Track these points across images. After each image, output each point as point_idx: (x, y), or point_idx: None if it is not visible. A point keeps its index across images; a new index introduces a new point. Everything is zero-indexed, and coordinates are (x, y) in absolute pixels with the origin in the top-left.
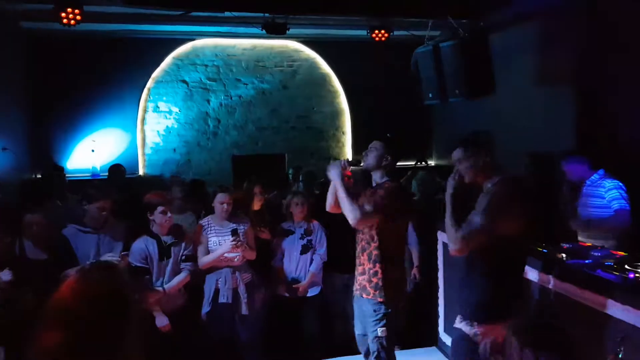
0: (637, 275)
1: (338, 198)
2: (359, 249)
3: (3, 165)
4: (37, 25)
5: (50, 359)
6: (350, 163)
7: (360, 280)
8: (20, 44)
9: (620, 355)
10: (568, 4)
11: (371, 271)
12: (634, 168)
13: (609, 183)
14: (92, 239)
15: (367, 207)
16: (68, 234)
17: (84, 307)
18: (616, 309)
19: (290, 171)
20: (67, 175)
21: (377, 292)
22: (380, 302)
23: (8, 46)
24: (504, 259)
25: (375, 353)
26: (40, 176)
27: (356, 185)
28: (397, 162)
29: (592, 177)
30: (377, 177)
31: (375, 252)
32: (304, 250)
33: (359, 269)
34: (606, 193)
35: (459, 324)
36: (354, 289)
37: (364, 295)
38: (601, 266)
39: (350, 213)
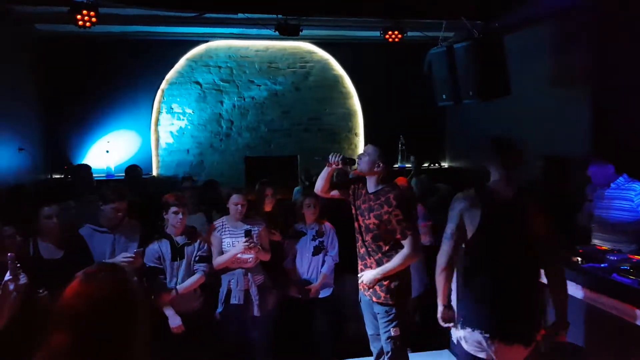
0: None
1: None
2: (364, 250)
3: (19, 166)
4: (51, 27)
5: None
6: (344, 161)
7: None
8: (35, 46)
9: None
10: (582, 5)
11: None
12: None
13: (639, 186)
14: (107, 239)
15: (407, 242)
16: (84, 234)
17: (88, 309)
18: (633, 314)
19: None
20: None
21: (388, 295)
22: (391, 305)
23: (23, 48)
24: (470, 260)
25: (390, 353)
26: (67, 174)
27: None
28: (391, 168)
29: (617, 181)
30: (371, 183)
31: (385, 259)
32: (316, 251)
33: (365, 271)
34: (636, 196)
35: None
36: (361, 288)
37: (374, 299)
38: (617, 270)
39: (410, 261)
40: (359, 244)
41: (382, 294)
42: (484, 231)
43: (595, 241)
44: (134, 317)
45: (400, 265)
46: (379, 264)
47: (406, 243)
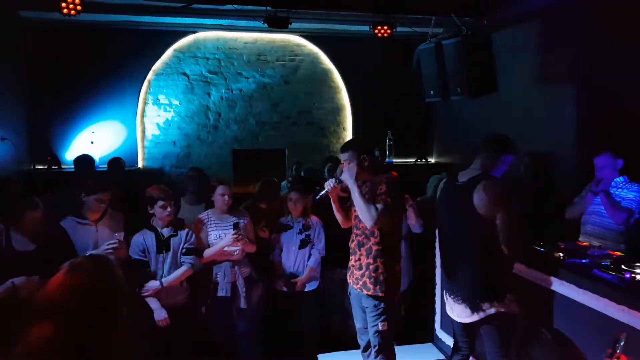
0: (633, 275)
1: (353, 199)
2: (355, 243)
3: (2, 156)
4: (36, 15)
5: (40, 353)
6: (340, 181)
7: (357, 275)
8: (19, 33)
9: (616, 354)
10: (570, 3)
11: (371, 267)
12: (636, 168)
13: (634, 186)
14: (90, 231)
15: (379, 206)
16: (66, 226)
17: (73, 300)
18: (612, 309)
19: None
20: (65, 167)
21: (378, 287)
22: (380, 297)
23: (6, 36)
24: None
25: (377, 347)
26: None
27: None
28: (374, 155)
29: (617, 180)
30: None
31: (375, 248)
32: (302, 244)
33: (355, 264)
34: (628, 192)
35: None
36: (350, 282)
37: (364, 291)
38: (598, 266)
39: (366, 214)
40: (352, 237)
41: (372, 286)
42: (438, 210)
43: (582, 239)
44: (120, 310)
45: (362, 207)
46: (368, 253)
47: (378, 206)
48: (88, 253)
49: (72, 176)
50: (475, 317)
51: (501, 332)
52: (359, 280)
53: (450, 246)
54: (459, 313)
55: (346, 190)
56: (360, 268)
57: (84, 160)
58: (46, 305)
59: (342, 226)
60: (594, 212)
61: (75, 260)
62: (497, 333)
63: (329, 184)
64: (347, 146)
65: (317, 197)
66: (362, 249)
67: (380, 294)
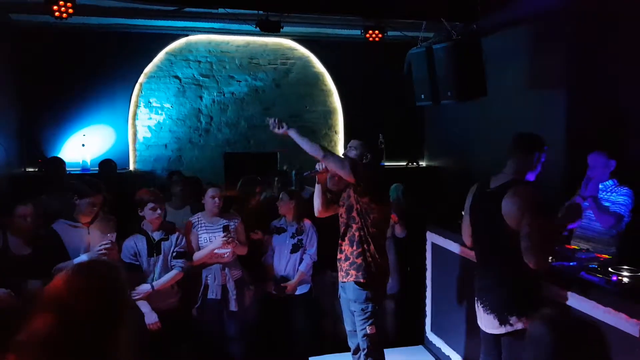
0: (620, 278)
1: (301, 145)
2: (340, 238)
3: None
4: (27, 18)
5: (39, 344)
6: None
7: (345, 266)
8: (10, 36)
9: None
10: (560, 7)
11: (354, 253)
12: (627, 171)
13: (624, 190)
14: (82, 234)
15: (349, 162)
16: (58, 229)
17: (79, 299)
18: (599, 311)
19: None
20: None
21: (360, 273)
22: (363, 284)
23: None
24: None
25: (366, 350)
26: (40, 167)
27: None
28: (378, 160)
29: (606, 183)
30: None
31: (357, 234)
32: (294, 249)
33: (341, 256)
34: (617, 197)
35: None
36: (340, 277)
37: (350, 279)
38: (585, 269)
39: (315, 151)
40: (340, 230)
41: (354, 272)
42: (469, 216)
43: (574, 243)
44: (121, 312)
45: (303, 145)
46: (351, 241)
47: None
48: (80, 256)
49: (44, 179)
50: (502, 330)
51: (525, 349)
52: (348, 272)
53: (481, 255)
54: (487, 323)
55: (333, 189)
56: (346, 259)
57: (53, 162)
58: (51, 302)
59: (317, 214)
60: (584, 216)
61: (82, 263)
62: (521, 349)
63: (320, 165)
64: (359, 139)
65: (305, 174)
66: (345, 238)
67: (362, 280)
